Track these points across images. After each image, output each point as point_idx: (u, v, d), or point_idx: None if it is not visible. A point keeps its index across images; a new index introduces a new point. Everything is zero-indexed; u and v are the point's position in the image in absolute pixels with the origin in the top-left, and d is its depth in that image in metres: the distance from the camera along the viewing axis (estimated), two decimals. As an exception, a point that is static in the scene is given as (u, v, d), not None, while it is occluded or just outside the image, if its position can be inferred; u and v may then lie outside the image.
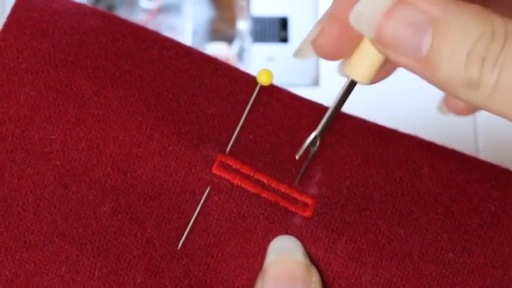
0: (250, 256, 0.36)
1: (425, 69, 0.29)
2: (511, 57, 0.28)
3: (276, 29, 0.83)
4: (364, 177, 0.37)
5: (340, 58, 0.33)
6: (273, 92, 0.39)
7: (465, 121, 0.64)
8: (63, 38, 0.37)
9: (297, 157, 0.37)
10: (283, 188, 0.37)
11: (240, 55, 0.82)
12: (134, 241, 0.36)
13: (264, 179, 0.37)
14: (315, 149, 0.36)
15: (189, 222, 0.37)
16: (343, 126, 0.38)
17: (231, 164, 0.37)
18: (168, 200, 0.37)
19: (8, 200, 0.36)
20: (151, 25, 0.83)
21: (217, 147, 0.37)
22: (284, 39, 0.82)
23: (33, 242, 0.36)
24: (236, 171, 0.37)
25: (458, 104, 0.40)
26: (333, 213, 0.37)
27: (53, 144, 0.36)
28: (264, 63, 0.81)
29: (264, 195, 0.37)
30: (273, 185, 0.37)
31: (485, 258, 0.36)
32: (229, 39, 0.83)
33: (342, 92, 0.34)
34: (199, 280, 0.37)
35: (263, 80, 0.38)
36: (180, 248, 0.37)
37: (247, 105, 0.38)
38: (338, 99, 0.34)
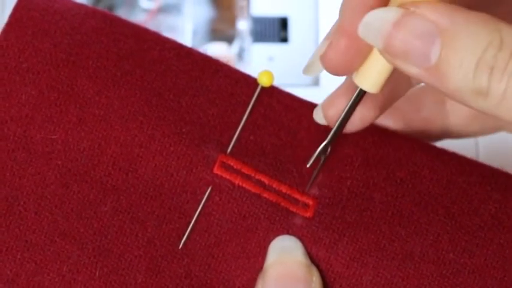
0: (251, 256, 0.37)
1: (434, 78, 0.29)
2: None
3: (276, 29, 0.83)
4: (365, 178, 0.38)
5: (349, 73, 0.33)
6: (273, 93, 0.39)
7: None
8: (65, 38, 0.37)
9: (308, 165, 0.37)
10: (284, 189, 0.37)
11: (240, 55, 0.82)
12: (135, 241, 0.36)
13: (265, 180, 0.37)
14: (325, 156, 0.37)
15: (190, 222, 0.37)
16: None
17: (232, 164, 0.37)
18: (169, 200, 0.37)
19: (9, 199, 0.36)
20: (151, 25, 0.83)
21: (218, 148, 0.37)
22: (284, 39, 0.82)
23: (34, 241, 0.36)
24: (237, 172, 0.37)
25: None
26: (333, 214, 0.37)
27: (54, 143, 0.37)
28: (264, 63, 0.81)
29: (265, 195, 0.37)
30: (273, 186, 0.37)
31: (486, 259, 0.36)
32: (229, 39, 0.83)
33: (352, 101, 0.34)
34: (200, 280, 0.37)
35: (264, 81, 0.38)
36: (181, 248, 0.37)
37: (248, 106, 0.38)
38: (348, 107, 0.35)
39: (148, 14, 0.83)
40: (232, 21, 0.84)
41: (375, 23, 0.30)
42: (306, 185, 0.37)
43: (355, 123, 0.36)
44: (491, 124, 0.42)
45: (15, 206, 0.36)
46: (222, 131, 0.38)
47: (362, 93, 0.33)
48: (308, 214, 0.37)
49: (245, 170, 0.37)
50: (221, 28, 0.84)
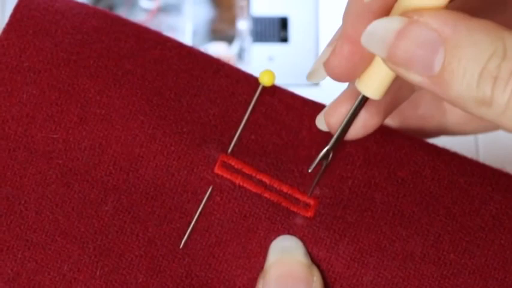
0: (251, 256, 0.37)
1: (437, 87, 0.29)
2: None
3: (276, 29, 0.83)
4: (366, 177, 0.37)
5: (353, 79, 0.33)
6: (275, 92, 0.39)
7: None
8: (66, 38, 0.37)
9: (309, 170, 0.37)
10: (285, 188, 0.37)
11: (240, 55, 0.82)
12: (136, 240, 0.36)
13: (266, 179, 0.37)
14: (327, 162, 0.36)
15: (190, 222, 0.37)
16: None
17: (233, 164, 0.37)
18: (170, 200, 0.37)
19: (10, 198, 0.36)
20: (151, 25, 0.83)
21: (219, 148, 0.37)
22: (284, 39, 0.82)
23: (35, 240, 0.36)
24: (238, 171, 0.37)
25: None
26: (334, 214, 0.37)
27: (55, 143, 0.37)
28: (264, 63, 0.81)
29: (266, 195, 0.37)
30: (275, 185, 0.37)
31: (487, 260, 0.36)
32: (229, 39, 0.83)
33: (354, 106, 0.34)
34: (201, 280, 0.37)
35: (265, 81, 0.38)
36: (182, 247, 0.37)
37: (249, 105, 0.38)
38: (350, 114, 0.34)
39: (148, 14, 0.83)
40: (232, 21, 0.84)
41: (378, 33, 0.30)
42: (307, 186, 0.37)
43: (358, 130, 0.36)
44: (488, 122, 0.42)
45: (16, 205, 0.36)
46: (223, 130, 0.38)
47: (364, 100, 0.33)
48: (309, 214, 0.37)
49: (246, 170, 0.37)
50: (221, 28, 0.84)
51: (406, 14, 0.29)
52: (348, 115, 0.34)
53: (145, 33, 0.39)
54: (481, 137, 0.62)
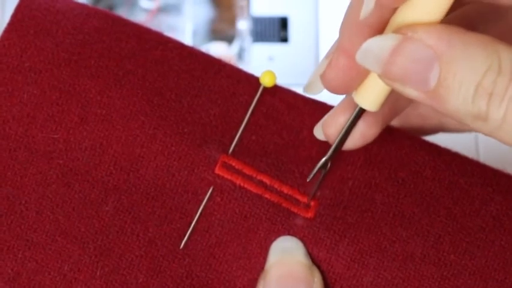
0: (252, 257, 0.36)
1: (434, 101, 0.29)
2: None
3: (276, 29, 0.83)
4: (367, 178, 0.37)
5: (350, 92, 0.33)
6: (276, 92, 0.39)
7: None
8: (67, 38, 0.37)
9: (308, 180, 0.37)
10: (285, 189, 0.37)
11: (240, 55, 0.82)
12: (136, 241, 0.36)
13: (266, 180, 0.37)
14: (326, 170, 0.36)
15: (191, 223, 0.37)
16: None
17: (233, 164, 0.37)
18: (171, 200, 0.37)
19: (10, 198, 0.36)
20: (151, 25, 0.83)
21: (220, 148, 0.37)
22: (284, 39, 0.82)
23: (36, 240, 0.36)
24: (239, 172, 0.37)
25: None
26: (334, 214, 0.37)
27: (56, 143, 0.37)
28: (264, 63, 0.81)
29: (267, 196, 0.37)
30: (275, 186, 0.37)
31: (487, 261, 0.36)
32: (229, 39, 0.83)
33: (352, 118, 0.34)
34: (201, 280, 0.37)
35: (266, 82, 0.37)
36: (182, 248, 0.37)
37: (250, 106, 0.38)
38: (347, 125, 0.34)
39: (148, 14, 0.83)
40: (232, 21, 0.84)
41: (373, 51, 0.30)
42: (308, 187, 0.37)
43: (356, 140, 0.36)
44: None
45: (17, 205, 0.36)
46: (224, 131, 0.38)
47: (361, 111, 0.33)
48: (309, 215, 0.37)
49: (246, 171, 0.37)
50: (221, 28, 0.84)
51: (400, 30, 0.29)
52: (346, 126, 0.35)
53: (146, 33, 0.39)
54: (481, 137, 0.62)
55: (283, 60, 0.81)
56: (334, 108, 0.36)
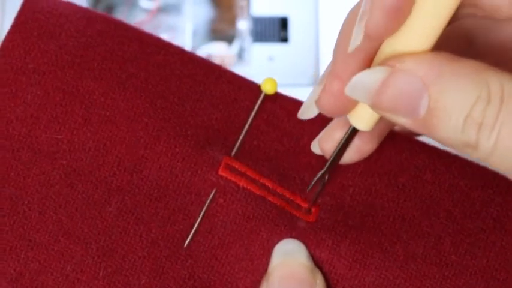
0: (254, 258, 0.36)
1: (424, 129, 0.29)
2: (508, 121, 0.28)
3: (276, 29, 0.83)
4: (367, 185, 0.38)
5: (345, 114, 0.33)
6: (276, 99, 0.39)
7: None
8: (70, 41, 0.37)
9: (307, 190, 0.37)
10: (287, 194, 0.37)
11: (240, 55, 0.82)
12: (139, 241, 0.36)
13: (269, 184, 0.37)
14: (324, 181, 0.37)
15: (194, 224, 0.37)
16: None
17: (236, 166, 0.37)
18: (174, 201, 0.37)
19: (13, 199, 0.36)
20: (151, 25, 0.83)
21: (223, 151, 0.37)
22: (284, 39, 0.82)
23: (38, 240, 0.36)
24: (242, 174, 0.37)
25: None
26: (335, 218, 0.37)
27: (60, 143, 0.37)
28: (264, 63, 0.81)
29: (270, 198, 0.37)
30: (277, 190, 0.37)
31: (488, 261, 0.36)
32: (229, 39, 0.83)
33: (345, 137, 0.34)
34: (204, 282, 0.37)
35: (267, 89, 0.37)
36: (185, 248, 0.37)
37: (251, 112, 0.38)
38: (342, 142, 0.35)
39: (148, 14, 0.83)
40: (232, 21, 0.84)
41: (362, 85, 0.30)
42: (309, 193, 0.37)
43: (352, 155, 0.36)
44: None
45: (20, 205, 0.36)
46: (226, 135, 0.38)
47: (356, 130, 0.34)
48: (311, 219, 0.37)
49: (250, 173, 0.37)
50: (221, 28, 0.84)
51: (388, 61, 0.29)
52: (340, 144, 0.35)
53: (147, 38, 0.39)
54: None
55: (283, 60, 0.81)
56: (330, 124, 0.36)
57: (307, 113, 0.36)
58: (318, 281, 0.35)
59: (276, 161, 0.38)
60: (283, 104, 0.39)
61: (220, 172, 0.37)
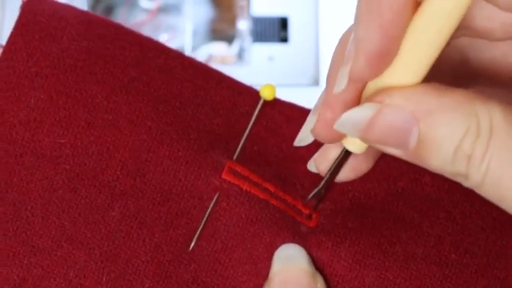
0: (257, 262, 0.36)
1: (414, 159, 0.30)
2: (497, 153, 0.28)
3: (276, 29, 0.83)
4: (366, 189, 0.38)
5: (339, 141, 0.33)
6: (275, 105, 0.39)
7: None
8: (72, 44, 0.37)
9: (304, 202, 0.37)
10: (289, 199, 0.37)
11: (240, 55, 0.82)
12: (143, 246, 0.36)
13: (271, 188, 0.37)
14: (320, 198, 0.37)
15: (197, 228, 0.37)
16: None
17: (239, 170, 0.37)
18: (177, 205, 0.37)
19: (16, 204, 0.36)
20: (151, 25, 0.83)
21: (225, 155, 0.37)
22: (284, 39, 0.82)
23: (41, 246, 0.36)
24: (245, 178, 0.37)
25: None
26: (335, 221, 0.37)
27: (63, 148, 0.36)
28: (264, 63, 0.81)
29: (273, 202, 0.37)
30: (279, 195, 0.37)
31: (488, 260, 0.36)
32: (229, 39, 0.83)
33: (339, 159, 0.35)
34: (207, 286, 0.37)
35: (266, 95, 0.38)
36: (189, 252, 0.37)
37: (251, 118, 0.38)
38: (336, 163, 0.35)
39: (148, 14, 0.83)
40: (232, 21, 0.84)
41: (351, 122, 0.30)
42: (309, 201, 0.37)
43: (348, 174, 0.36)
44: None
45: (23, 210, 0.36)
46: (228, 139, 0.38)
47: (349, 152, 0.34)
48: (312, 224, 0.37)
49: (253, 177, 0.37)
50: (221, 28, 0.84)
51: (377, 96, 0.29)
52: (334, 164, 0.35)
53: (147, 42, 0.39)
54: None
55: (283, 60, 0.81)
56: (325, 145, 0.36)
57: (303, 141, 0.36)
58: (318, 285, 0.35)
59: (276, 166, 0.38)
60: (282, 109, 0.39)
61: (224, 176, 0.37)
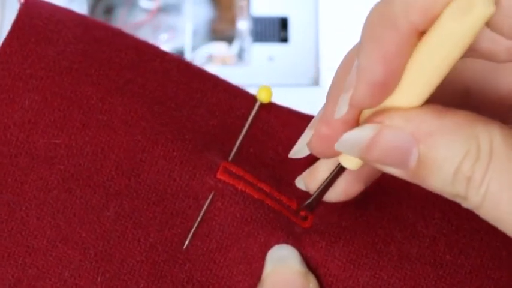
0: (252, 262, 0.37)
1: (414, 179, 0.30)
2: (497, 176, 0.28)
3: (276, 29, 0.83)
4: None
5: (334, 157, 0.33)
6: (271, 109, 0.39)
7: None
8: (68, 47, 0.38)
9: (297, 210, 0.37)
10: (284, 200, 0.37)
11: (240, 55, 0.82)
12: (137, 246, 0.36)
13: (266, 188, 0.37)
14: (311, 210, 0.37)
15: (192, 227, 0.37)
16: None
17: (234, 171, 0.37)
18: (172, 205, 0.37)
19: (11, 204, 0.36)
20: (151, 25, 0.83)
21: (220, 155, 0.37)
22: (284, 39, 0.82)
23: (36, 246, 0.36)
24: (240, 178, 0.37)
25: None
26: (329, 221, 0.37)
27: (57, 148, 0.36)
28: (264, 63, 0.81)
29: (268, 202, 0.37)
30: (275, 195, 0.37)
31: (482, 260, 0.36)
32: (229, 39, 0.83)
33: (333, 174, 0.35)
34: (202, 285, 0.37)
35: (263, 97, 0.38)
36: (184, 252, 0.37)
37: (246, 120, 0.38)
38: (328, 180, 0.35)
39: (148, 14, 0.83)
40: (232, 21, 0.84)
41: (351, 142, 0.30)
42: (304, 200, 0.37)
43: (339, 196, 0.36)
44: None
45: (18, 211, 0.36)
46: (223, 141, 0.38)
47: (342, 169, 0.34)
48: (306, 225, 0.37)
49: (248, 177, 0.37)
50: (221, 28, 0.84)
51: (376, 117, 0.29)
52: (328, 179, 0.35)
53: (144, 46, 0.39)
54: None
55: (283, 60, 0.81)
56: (314, 165, 0.36)
57: (299, 153, 0.36)
58: (311, 285, 0.35)
59: (273, 168, 0.38)
60: (278, 113, 0.39)
61: (219, 175, 0.37)
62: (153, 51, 0.39)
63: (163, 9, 0.83)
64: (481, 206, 0.29)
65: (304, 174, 0.37)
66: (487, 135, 0.28)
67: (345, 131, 0.31)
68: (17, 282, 0.36)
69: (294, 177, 0.38)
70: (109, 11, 0.83)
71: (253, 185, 0.37)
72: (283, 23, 0.83)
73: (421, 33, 0.28)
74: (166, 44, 0.85)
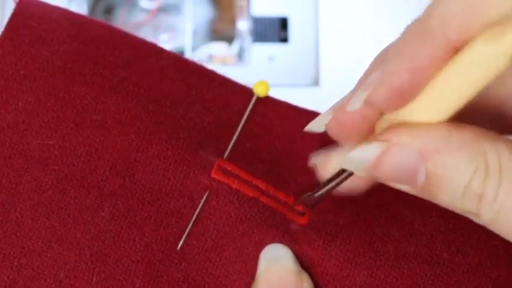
0: (248, 260, 0.36)
1: (423, 195, 0.30)
2: (509, 191, 0.28)
3: (276, 29, 0.83)
4: None
5: (349, 141, 0.33)
6: (268, 103, 0.39)
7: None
8: (62, 47, 0.37)
9: (294, 205, 0.37)
10: (280, 196, 0.37)
11: (240, 55, 0.82)
12: (133, 246, 0.36)
13: (262, 186, 0.37)
14: (313, 207, 0.37)
15: (187, 227, 0.37)
16: None
17: (229, 169, 0.37)
18: (167, 204, 0.37)
19: (5, 205, 0.36)
20: (151, 25, 0.83)
21: (215, 153, 0.37)
22: (284, 39, 0.82)
23: (31, 247, 0.36)
24: (235, 176, 0.37)
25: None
26: (326, 218, 0.37)
27: (51, 149, 0.36)
28: (264, 63, 0.81)
29: (263, 200, 0.37)
30: (270, 192, 0.37)
31: (480, 259, 0.36)
32: (229, 39, 0.83)
33: (341, 178, 0.34)
34: (198, 284, 0.37)
35: (260, 92, 0.38)
36: (179, 251, 0.37)
37: (243, 115, 0.38)
38: (335, 183, 0.34)
39: (148, 14, 0.83)
40: (232, 21, 0.84)
41: (358, 161, 0.30)
42: (301, 195, 0.37)
43: (347, 192, 0.36)
44: None
45: (12, 212, 0.36)
46: (219, 137, 0.38)
47: (349, 174, 0.34)
48: (303, 222, 0.37)
49: (242, 175, 0.37)
50: (221, 28, 0.84)
51: (384, 135, 0.29)
52: (336, 181, 0.34)
53: (140, 43, 0.39)
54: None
55: (283, 60, 0.81)
56: (330, 152, 0.36)
57: (315, 129, 0.36)
58: (305, 284, 0.35)
59: (270, 163, 0.38)
60: (276, 107, 0.39)
61: (213, 174, 0.37)
62: (150, 48, 0.39)
63: (163, 9, 0.83)
64: (495, 221, 0.29)
65: (319, 159, 0.36)
66: (495, 151, 0.28)
67: (361, 126, 0.31)
68: (12, 283, 0.36)
69: (292, 172, 0.38)
70: (109, 11, 0.83)
71: (248, 182, 0.37)
72: (283, 23, 0.83)
73: (455, 51, 0.28)
74: (166, 44, 0.85)
